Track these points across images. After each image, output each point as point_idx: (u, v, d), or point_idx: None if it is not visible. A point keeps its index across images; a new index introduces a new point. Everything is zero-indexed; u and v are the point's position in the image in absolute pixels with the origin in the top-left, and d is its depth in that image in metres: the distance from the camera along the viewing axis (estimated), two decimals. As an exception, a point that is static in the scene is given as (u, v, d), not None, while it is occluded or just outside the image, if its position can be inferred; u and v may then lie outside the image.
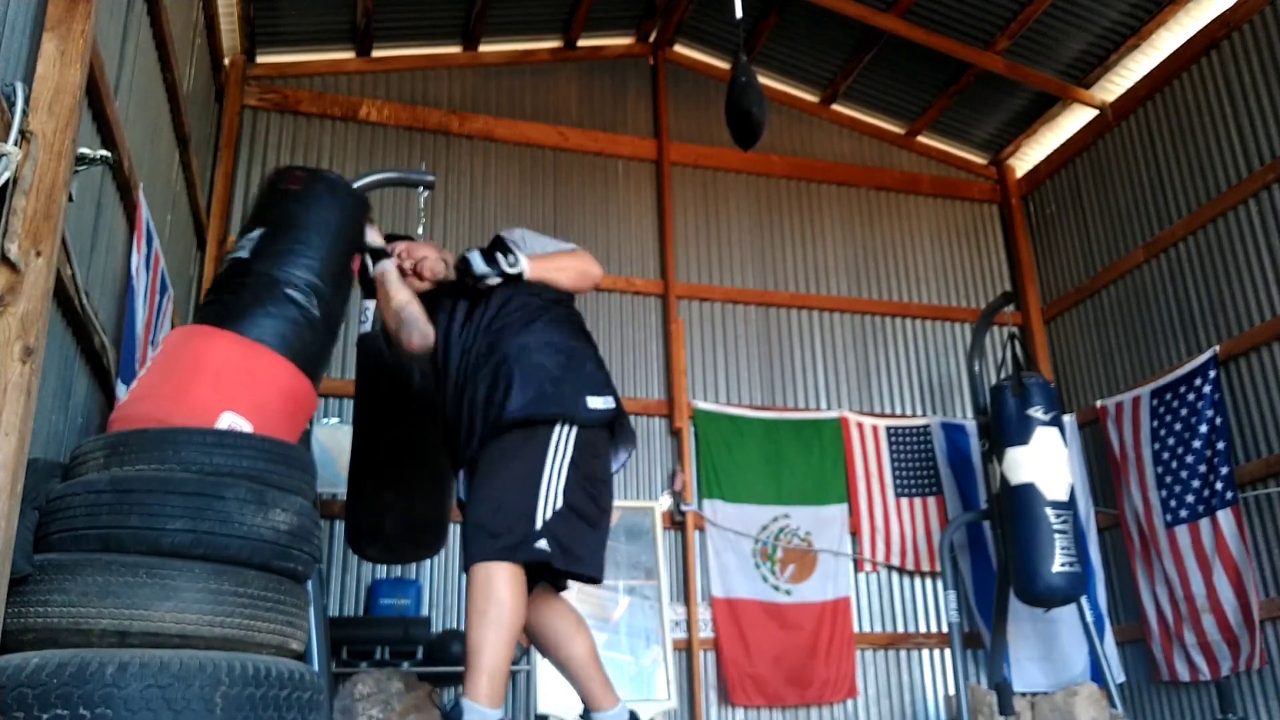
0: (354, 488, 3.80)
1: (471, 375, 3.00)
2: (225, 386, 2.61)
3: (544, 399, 2.86)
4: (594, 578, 2.88)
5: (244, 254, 2.87)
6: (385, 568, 5.30)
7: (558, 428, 2.84)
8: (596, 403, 2.93)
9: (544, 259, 3.18)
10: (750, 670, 5.69)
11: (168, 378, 2.64)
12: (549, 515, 2.71)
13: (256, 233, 2.91)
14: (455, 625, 5.41)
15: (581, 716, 2.98)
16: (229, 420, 2.57)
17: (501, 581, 2.65)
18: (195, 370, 2.63)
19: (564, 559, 2.73)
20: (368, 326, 3.80)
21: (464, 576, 3.01)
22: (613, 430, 3.06)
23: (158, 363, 2.72)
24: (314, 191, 3.01)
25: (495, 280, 3.08)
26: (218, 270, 3.02)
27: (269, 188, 3.10)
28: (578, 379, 2.95)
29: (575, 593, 3.18)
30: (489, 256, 3.09)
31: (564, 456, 2.81)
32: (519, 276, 3.09)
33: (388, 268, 3.20)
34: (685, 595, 5.81)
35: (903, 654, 6.11)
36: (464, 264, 3.10)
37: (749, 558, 5.94)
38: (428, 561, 5.43)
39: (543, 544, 2.69)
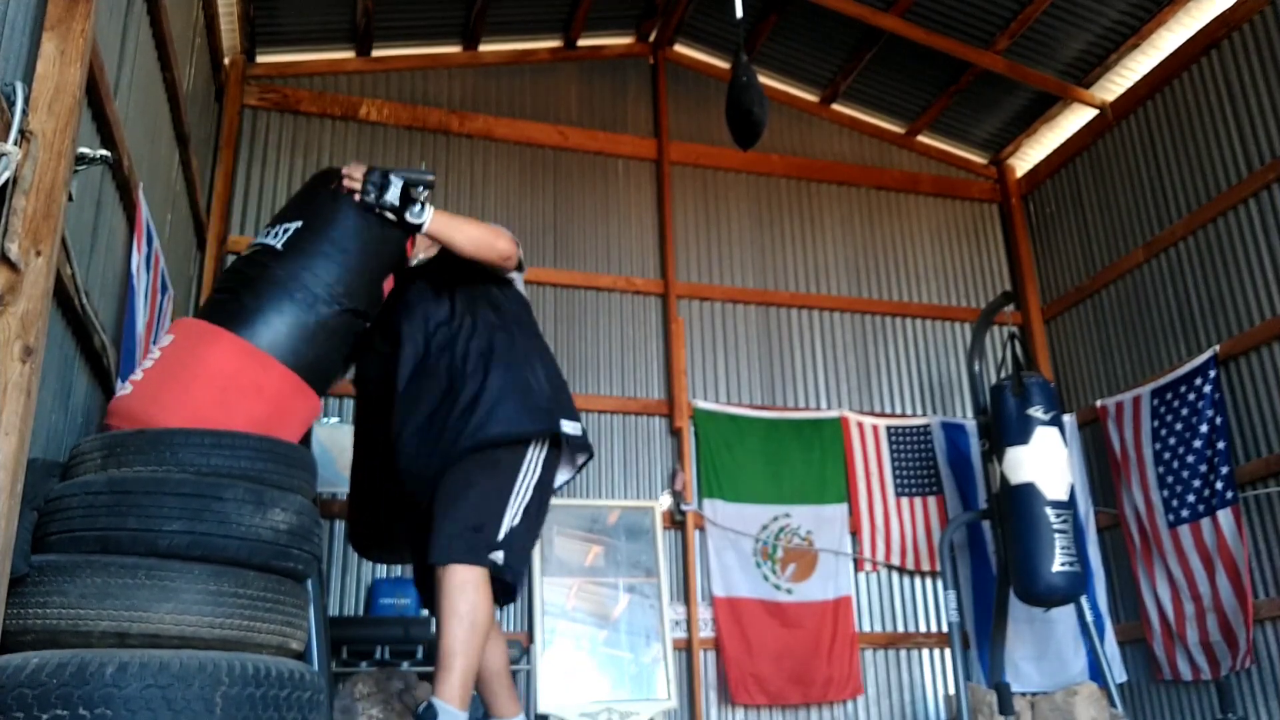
0: (356, 487, 3.79)
1: (438, 368, 2.92)
2: (232, 402, 2.59)
3: (531, 415, 2.86)
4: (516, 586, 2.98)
5: (275, 243, 2.76)
6: (385, 567, 5.30)
7: (533, 446, 2.88)
8: (570, 428, 2.94)
9: (451, 217, 2.95)
10: (753, 669, 5.69)
11: (175, 381, 2.58)
12: (512, 527, 2.76)
13: (294, 225, 2.78)
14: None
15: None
16: None
17: (481, 584, 2.68)
18: (203, 380, 2.58)
19: (510, 572, 2.80)
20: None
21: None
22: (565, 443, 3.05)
23: (165, 361, 2.64)
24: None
25: (388, 214, 2.81)
26: (244, 251, 2.88)
27: (320, 182, 2.95)
28: (563, 399, 2.99)
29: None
30: (405, 195, 2.82)
31: (533, 475, 2.86)
32: (417, 228, 2.86)
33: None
34: (685, 595, 5.80)
35: (903, 654, 6.11)
36: (378, 182, 2.81)
37: (750, 557, 5.94)
38: (428, 561, 5.42)
39: (499, 555, 2.74)
